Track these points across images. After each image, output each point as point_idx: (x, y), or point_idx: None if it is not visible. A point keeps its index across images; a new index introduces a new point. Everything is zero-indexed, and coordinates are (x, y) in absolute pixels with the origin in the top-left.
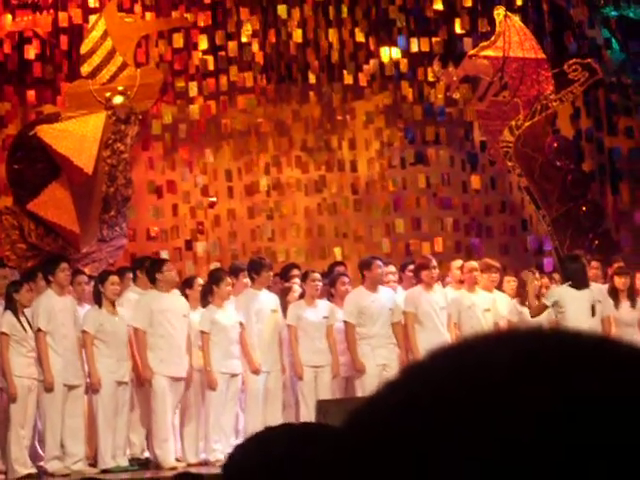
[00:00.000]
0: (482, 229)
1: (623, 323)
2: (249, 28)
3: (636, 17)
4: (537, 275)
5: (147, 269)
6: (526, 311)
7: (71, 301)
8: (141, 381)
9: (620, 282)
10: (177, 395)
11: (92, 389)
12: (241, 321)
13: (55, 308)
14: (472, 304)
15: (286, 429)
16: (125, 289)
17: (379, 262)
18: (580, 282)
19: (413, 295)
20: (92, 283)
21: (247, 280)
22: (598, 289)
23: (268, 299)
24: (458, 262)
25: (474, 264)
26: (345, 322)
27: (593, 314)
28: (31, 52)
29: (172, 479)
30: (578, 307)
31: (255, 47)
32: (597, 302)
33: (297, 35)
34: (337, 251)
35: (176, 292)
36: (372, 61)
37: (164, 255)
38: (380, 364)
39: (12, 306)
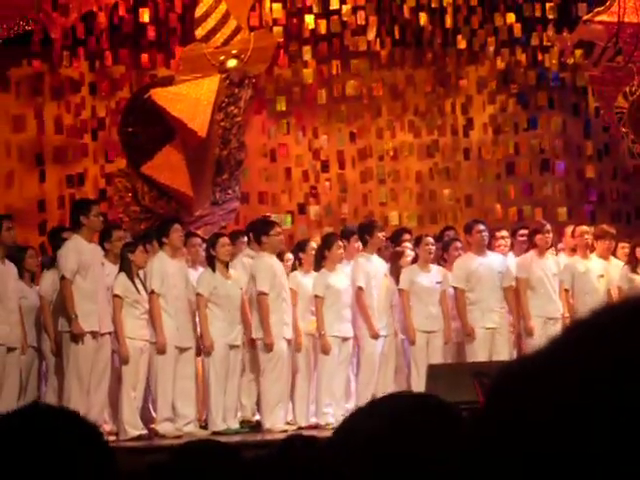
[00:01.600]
0: (595, 195)
1: None
2: None
3: None
4: None
5: (254, 231)
6: (637, 278)
7: (183, 263)
8: (265, 346)
9: None
10: (291, 358)
11: (205, 352)
12: (359, 285)
13: (168, 270)
14: (586, 270)
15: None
16: (238, 253)
17: (480, 225)
18: None
19: (525, 261)
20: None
21: (359, 244)
22: None
23: (380, 263)
24: (571, 228)
25: (585, 228)
26: (454, 287)
27: None
28: (145, 15)
29: (283, 441)
30: None
31: (369, 10)
32: None
33: None
34: (449, 216)
35: None
36: (486, 26)
37: (276, 219)
38: (490, 328)
39: (126, 268)
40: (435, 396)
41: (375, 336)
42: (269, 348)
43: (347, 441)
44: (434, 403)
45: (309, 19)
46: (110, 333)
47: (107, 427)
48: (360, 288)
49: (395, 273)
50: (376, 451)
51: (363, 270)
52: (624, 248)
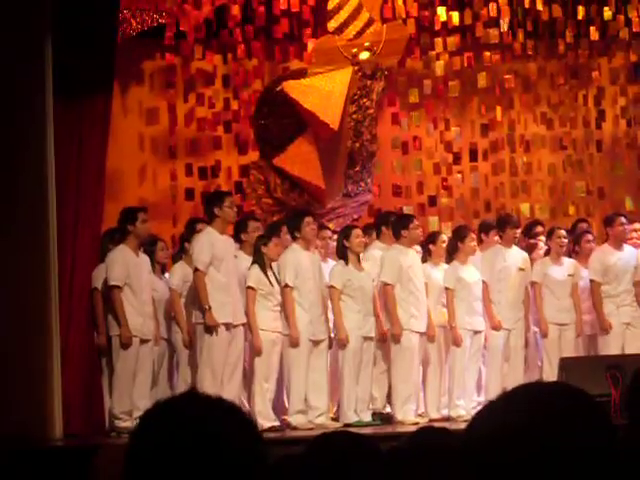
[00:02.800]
0: None
1: None
2: None
3: None
4: None
5: (393, 224)
6: None
7: (316, 256)
8: (392, 337)
9: None
10: (422, 350)
11: (339, 344)
12: (483, 279)
13: (301, 263)
14: None
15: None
16: (369, 245)
17: (622, 218)
18: None
19: None
20: (335, 238)
21: (496, 237)
22: None
23: (516, 257)
24: None
25: None
26: (591, 280)
27: None
28: (278, 8)
29: (416, 432)
30: None
31: (501, 2)
32: None
33: None
34: (581, 208)
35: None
36: (618, 17)
37: (407, 211)
38: (625, 322)
39: (260, 260)
40: (568, 384)
41: (495, 328)
42: (397, 339)
43: (486, 434)
44: (570, 390)
45: (441, 11)
46: (243, 325)
47: None
48: (484, 282)
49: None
50: (520, 442)
51: (489, 263)
52: None
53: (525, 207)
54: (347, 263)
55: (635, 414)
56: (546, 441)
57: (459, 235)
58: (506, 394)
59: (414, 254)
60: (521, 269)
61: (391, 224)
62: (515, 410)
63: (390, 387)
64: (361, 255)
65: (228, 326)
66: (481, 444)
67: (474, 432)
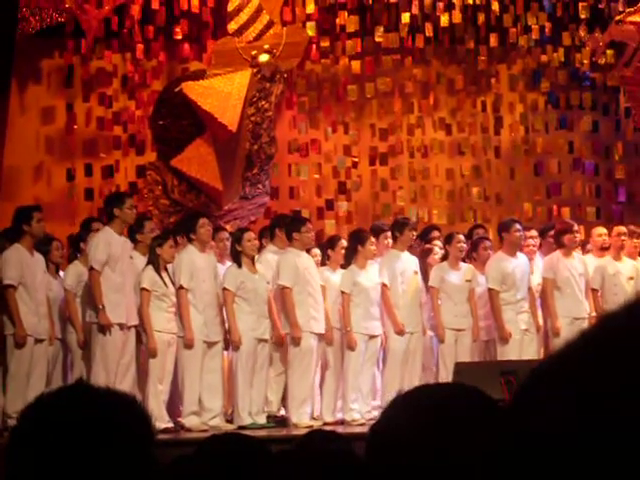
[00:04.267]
0: (624, 196)
1: None
2: None
3: None
4: None
5: (285, 227)
6: None
7: (212, 257)
8: (292, 340)
9: None
10: (319, 353)
11: (232, 346)
12: (384, 282)
13: (197, 265)
14: (617, 272)
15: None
16: (264, 248)
17: (518, 225)
18: None
19: (552, 261)
20: None
21: (388, 241)
22: None
23: (410, 260)
24: (600, 229)
25: (622, 229)
26: (489, 289)
27: None
28: (179, 8)
29: (305, 435)
30: None
31: (401, 7)
32: None
33: None
34: (478, 214)
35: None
36: (518, 24)
37: (306, 214)
38: (523, 329)
39: (155, 261)
40: (464, 384)
41: (400, 332)
42: (297, 342)
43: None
44: (466, 391)
45: (342, 15)
46: (136, 326)
47: None
48: (385, 285)
49: (423, 270)
50: (417, 442)
51: (390, 267)
52: None
53: (423, 212)
54: (241, 266)
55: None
56: (443, 442)
57: (359, 239)
58: (404, 397)
59: (308, 256)
60: (416, 273)
61: (284, 228)
62: (413, 413)
63: (286, 390)
64: (255, 257)
65: (122, 326)
66: (382, 449)
67: (375, 437)
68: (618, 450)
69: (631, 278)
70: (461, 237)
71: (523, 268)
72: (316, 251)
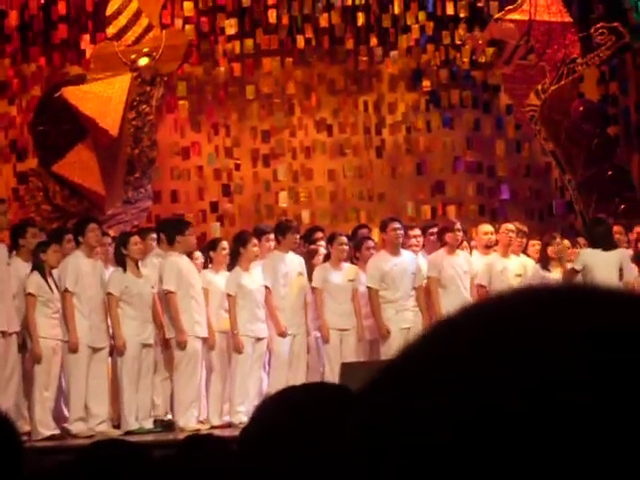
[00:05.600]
0: (507, 193)
1: None
2: None
3: None
4: (558, 239)
5: (167, 230)
6: (548, 275)
7: (99, 263)
8: (177, 344)
9: None
10: (204, 357)
11: (117, 351)
12: (266, 284)
13: (82, 269)
14: (504, 268)
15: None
16: (148, 251)
17: (396, 224)
18: (607, 244)
19: (436, 259)
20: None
21: (271, 243)
22: (623, 253)
23: (294, 262)
24: (485, 227)
25: (510, 226)
26: (368, 287)
27: (621, 277)
28: (57, 13)
29: (184, 440)
30: (606, 269)
31: (281, 9)
32: (623, 265)
33: None
34: (361, 214)
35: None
36: (397, 24)
37: (189, 218)
38: (404, 328)
39: (39, 267)
40: (330, 383)
41: (282, 334)
42: (182, 346)
43: (250, 437)
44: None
45: (221, 17)
46: (17, 333)
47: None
48: (267, 287)
49: (308, 271)
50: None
51: (272, 269)
52: (535, 246)
53: (305, 213)
54: (125, 270)
55: None
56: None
57: (242, 241)
58: (271, 398)
59: (189, 260)
60: (300, 274)
61: (166, 231)
62: (277, 414)
63: (172, 394)
64: (140, 262)
65: (4, 334)
66: (250, 450)
67: (243, 439)
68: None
69: (519, 275)
70: (343, 238)
71: (405, 266)
72: (198, 254)
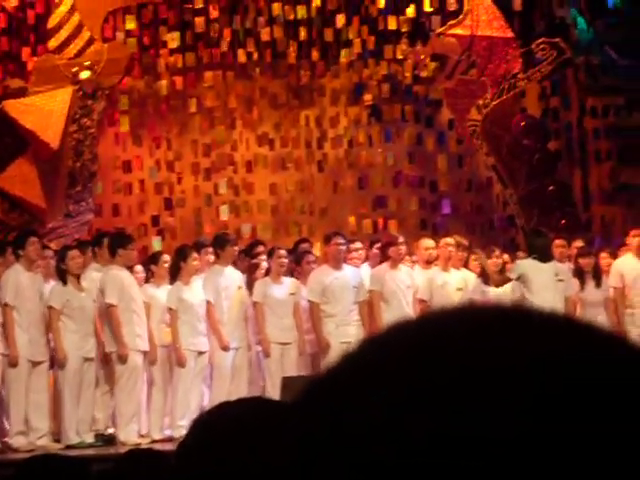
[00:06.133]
0: (449, 207)
1: (588, 303)
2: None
3: None
4: (497, 252)
5: (109, 243)
6: (489, 290)
7: (38, 276)
8: (119, 358)
9: (584, 262)
10: (145, 370)
11: (58, 365)
12: (208, 299)
13: (22, 283)
14: (444, 283)
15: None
16: (88, 264)
17: (338, 238)
18: (545, 255)
19: (379, 273)
20: None
21: (210, 257)
22: (562, 268)
23: (234, 276)
24: (426, 242)
25: (450, 240)
26: (309, 301)
27: (556, 288)
28: None
29: (124, 455)
30: (543, 280)
31: (223, 23)
32: (560, 278)
33: (265, 12)
34: (303, 228)
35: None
36: (339, 38)
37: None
38: (345, 342)
39: None
40: (267, 398)
41: (225, 348)
42: (123, 360)
43: (187, 451)
44: (266, 403)
45: (163, 31)
46: None
47: None
48: (209, 302)
49: (250, 285)
50: (213, 454)
51: (213, 283)
52: (475, 260)
53: (247, 227)
54: (66, 283)
55: None
56: (241, 457)
57: (182, 255)
58: (207, 413)
59: (129, 273)
60: (240, 288)
61: (108, 244)
62: (211, 429)
63: (114, 407)
64: (81, 275)
65: None
66: (184, 466)
67: (179, 455)
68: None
69: (460, 289)
70: (282, 252)
71: (346, 280)
72: (139, 268)
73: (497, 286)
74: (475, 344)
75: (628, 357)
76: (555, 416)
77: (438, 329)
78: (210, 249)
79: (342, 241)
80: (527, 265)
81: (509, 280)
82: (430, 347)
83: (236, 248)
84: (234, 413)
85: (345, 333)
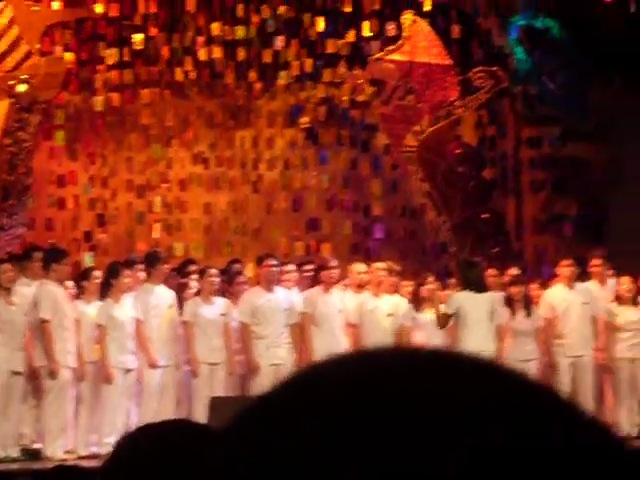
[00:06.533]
0: (382, 232)
1: (518, 332)
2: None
3: (543, 26)
4: (431, 279)
5: (44, 258)
6: (419, 317)
7: None
8: (49, 373)
9: (515, 291)
10: (73, 386)
11: None
12: (138, 316)
13: None
14: (375, 307)
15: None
16: (18, 277)
17: (272, 260)
18: (480, 286)
19: (311, 296)
20: None
21: (142, 274)
22: (497, 297)
23: (165, 294)
24: (358, 266)
25: (381, 265)
26: (240, 321)
27: (493, 320)
28: None
29: (50, 470)
30: (478, 312)
31: (162, 41)
32: (495, 308)
33: (204, 31)
34: (236, 248)
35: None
36: (278, 60)
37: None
38: (275, 364)
39: None
40: (189, 420)
41: (153, 366)
42: (53, 375)
43: (111, 469)
44: (189, 426)
45: (101, 47)
46: None
47: None
48: (138, 320)
49: (180, 304)
50: (136, 474)
51: (143, 301)
52: (407, 287)
53: (179, 245)
54: None
55: None
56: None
57: (113, 272)
58: (131, 434)
59: (63, 289)
60: (171, 306)
61: (41, 258)
62: (134, 450)
63: (40, 423)
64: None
65: None
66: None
67: (103, 474)
68: None
69: (390, 314)
70: (213, 271)
71: (278, 303)
72: (69, 283)
73: (441, 327)
74: (409, 386)
75: (553, 406)
76: (483, 457)
77: (376, 367)
78: (141, 266)
79: (275, 263)
80: (463, 298)
81: (450, 317)
82: (367, 385)
83: (167, 266)
84: (158, 434)
85: (275, 355)
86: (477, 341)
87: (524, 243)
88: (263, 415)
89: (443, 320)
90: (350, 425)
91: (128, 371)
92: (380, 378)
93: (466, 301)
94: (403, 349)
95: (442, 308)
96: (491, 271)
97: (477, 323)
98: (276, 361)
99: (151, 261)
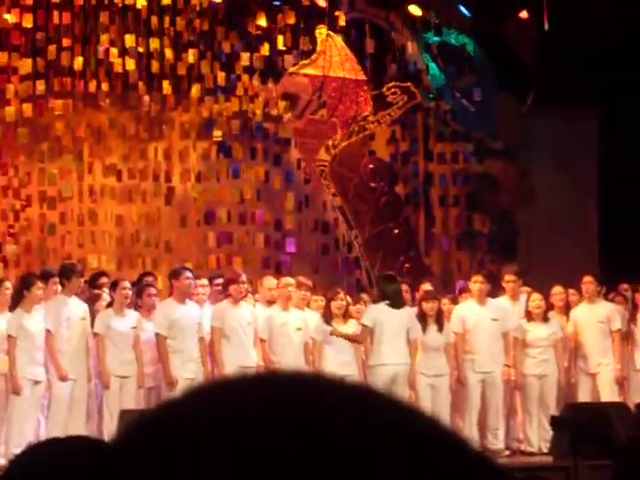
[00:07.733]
0: (294, 247)
1: (430, 347)
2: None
3: (457, 43)
4: (342, 295)
5: None
6: (331, 329)
7: None
8: None
9: (427, 307)
10: None
11: None
12: (48, 328)
13: None
14: (284, 322)
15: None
16: None
17: (188, 273)
18: (398, 301)
19: (220, 310)
20: None
21: (57, 286)
22: (410, 312)
23: (77, 306)
24: (269, 281)
25: (290, 280)
26: (156, 334)
27: (408, 335)
28: None
29: None
30: (394, 326)
31: (76, 52)
32: (411, 324)
33: (118, 43)
34: (147, 261)
35: None
36: (191, 73)
37: None
38: (189, 378)
39: None
40: (92, 438)
41: (63, 379)
42: None
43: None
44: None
45: (15, 57)
46: None
47: None
48: (48, 331)
49: (91, 316)
50: None
51: (54, 313)
52: (318, 301)
53: (92, 257)
54: None
55: None
56: None
57: (26, 283)
58: (30, 449)
59: None
60: (83, 319)
61: None
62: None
63: None
64: None
65: None
66: None
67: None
68: None
69: (299, 329)
70: (126, 284)
71: (192, 316)
72: None
73: (360, 342)
74: (267, 415)
75: (428, 427)
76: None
77: (238, 397)
78: (57, 279)
79: (191, 276)
80: (379, 310)
81: (368, 331)
82: (228, 415)
83: (82, 279)
84: (60, 451)
85: (189, 369)
86: (393, 356)
87: (434, 259)
88: (141, 434)
89: (362, 336)
90: (213, 451)
91: (37, 383)
92: (242, 408)
93: (382, 315)
94: (268, 376)
95: (362, 321)
96: (403, 287)
97: (392, 337)
98: (190, 375)
99: (66, 274)
